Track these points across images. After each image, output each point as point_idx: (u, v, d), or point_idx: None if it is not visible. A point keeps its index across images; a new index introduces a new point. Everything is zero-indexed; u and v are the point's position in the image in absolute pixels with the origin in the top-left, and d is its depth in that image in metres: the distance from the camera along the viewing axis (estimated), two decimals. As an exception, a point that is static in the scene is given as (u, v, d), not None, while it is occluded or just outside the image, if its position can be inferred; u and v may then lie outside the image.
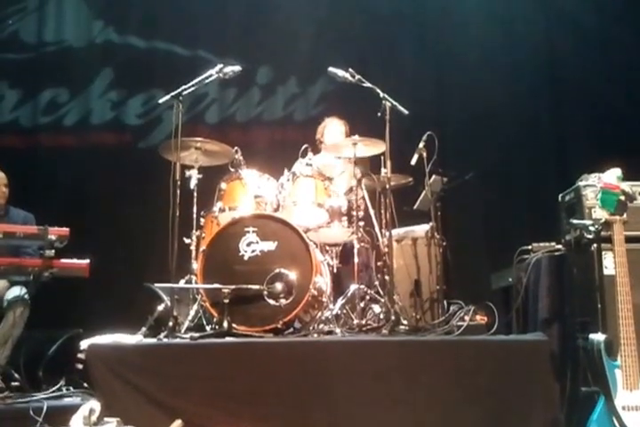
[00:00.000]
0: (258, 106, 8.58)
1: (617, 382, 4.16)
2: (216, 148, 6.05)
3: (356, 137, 5.90)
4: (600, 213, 4.73)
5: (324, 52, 8.22)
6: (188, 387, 4.47)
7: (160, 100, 5.58)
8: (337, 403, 4.51)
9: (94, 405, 4.22)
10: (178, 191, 5.28)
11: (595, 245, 4.84)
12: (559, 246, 5.44)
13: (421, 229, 6.47)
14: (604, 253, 4.79)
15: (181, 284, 5.59)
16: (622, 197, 4.43)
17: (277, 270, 5.26)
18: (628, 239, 4.48)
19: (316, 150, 6.80)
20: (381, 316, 5.57)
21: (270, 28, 8.41)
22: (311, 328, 5.35)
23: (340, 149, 6.25)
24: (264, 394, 4.50)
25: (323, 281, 5.54)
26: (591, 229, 4.78)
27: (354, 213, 5.93)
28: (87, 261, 4.94)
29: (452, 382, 4.59)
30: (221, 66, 5.75)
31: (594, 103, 8.10)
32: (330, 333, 5.23)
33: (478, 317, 5.45)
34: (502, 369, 4.66)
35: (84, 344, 4.69)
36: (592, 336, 4.31)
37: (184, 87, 5.51)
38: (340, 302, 5.62)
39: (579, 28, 8.27)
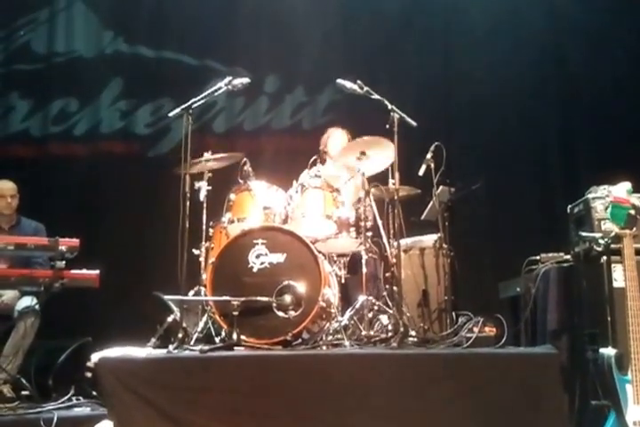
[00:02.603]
0: (266, 115, 8.60)
1: (628, 397, 4.15)
2: (224, 155, 6.15)
3: (365, 137, 5.88)
4: (609, 226, 4.71)
5: (331, 61, 8.26)
6: (197, 400, 4.46)
7: (170, 114, 5.57)
8: (346, 416, 4.50)
9: (107, 425, 4.25)
10: (187, 203, 5.29)
11: (604, 257, 4.84)
12: (568, 257, 5.44)
13: (429, 240, 6.49)
14: (613, 265, 4.80)
15: (190, 295, 5.63)
16: (632, 211, 4.44)
17: (286, 282, 5.27)
18: (638, 253, 4.49)
19: (322, 160, 6.83)
20: (390, 327, 5.58)
21: (278, 37, 8.44)
22: (319, 340, 5.36)
23: (347, 161, 6.27)
24: (273, 407, 4.50)
25: (331, 293, 5.55)
26: (601, 241, 4.78)
27: (362, 223, 5.94)
28: (97, 271, 4.96)
29: (461, 395, 4.58)
30: (230, 78, 5.75)
31: (604, 114, 8.10)
32: (338, 345, 5.24)
33: (487, 328, 5.46)
34: (512, 382, 4.65)
35: (94, 357, 4.69)
36: (602, 351, 4.30)
37: (194, 100, 5.50)
38: (349, 313, 5.62)
39: (589, 38, 8.27)
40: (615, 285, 4.77)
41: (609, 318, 4.72)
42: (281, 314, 5.22)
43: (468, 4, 8.51)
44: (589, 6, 8.23)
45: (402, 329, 5.19)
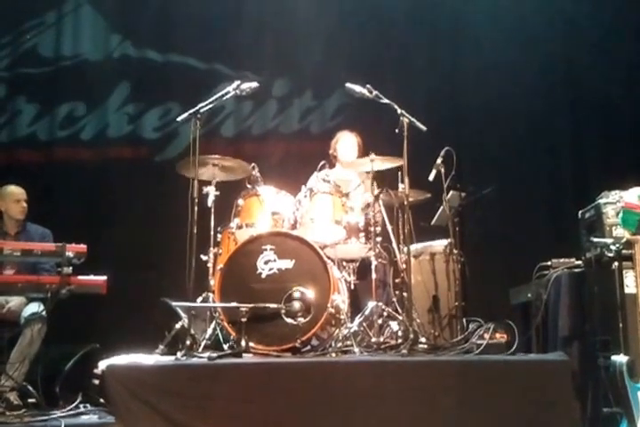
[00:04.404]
0: (274, 119, 8.54)
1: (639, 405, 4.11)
2: (233, 164, 6.06)
3: (373, 156, 5.89)
4: (621, 231, 4.69)
5: (339, 65, 8.20)
6: (205, 408, 4.45)
7: (178, 118, 5.57)
8: (355, 424, 4.51)
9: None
10: (195, 208, 5.26)
11: (616, 263, 4.79)
12: (579, 263, 5.40)
13: (439, 245, 6.46)
14: (625, 271, 4.74)
15: (199, 301, 5.60)
16: (644, 217, 4.40)
17: (295, 289, 5.25)
18: (650, 258, 4.44)
19: (331, 164, 6.80)
20: (399, 333, 5.55)
21: (285, 41, 8.41)
22: (329, 346, 5.34)
23: (356, 166, 6.28)
24: (282, 415, 4.49)
25: (340, 299, 5.51)
26: (612, 247, 4.73)
27: (371, 228, 5.91)
28: (104, 277, 4.91)
29: (471, 403, 4.58)
30: (239, 82, 5.73)
31: (615, 118, 8.06)
32: (348, 351, 5.21)
33: (498, 335, 5.41)
34: (523, 389, 4.65)
35: (102, 365, 4.67)
36: (614, 358, 4.28)
37: (202, 105, 5.49)
38: (358, 319, 5.60)
39: (597, 45, 8.22)
40: (627, 291, 4.72)
41: (621, 325, 4.67)
42: (290, 321, 5.21)
43: (477, 7, 8.47)
44: (597, 9, 8.19)
45: (412, 336, 5.17)
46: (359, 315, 5.65)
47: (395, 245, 6.11)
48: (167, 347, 5.38)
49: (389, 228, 6.15)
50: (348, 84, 5.90)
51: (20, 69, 8.33)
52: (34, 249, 4.90)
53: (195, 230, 5.21)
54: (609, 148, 8.01)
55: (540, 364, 4.89)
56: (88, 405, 5.01)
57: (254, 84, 5.79)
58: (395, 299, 5.95)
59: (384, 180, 6.17)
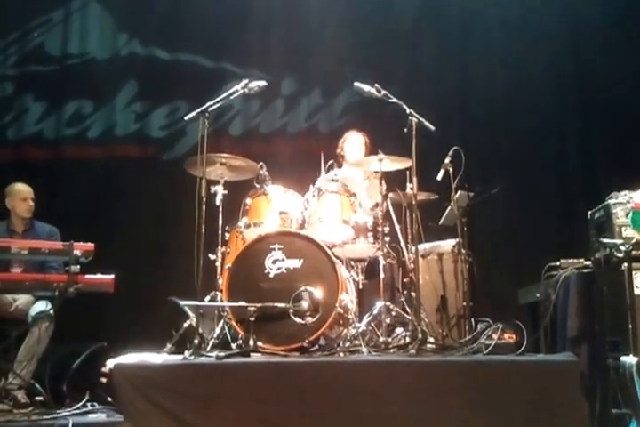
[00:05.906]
0: (282, 117, 8.52)
1: (649, 407, 4.10)
2: (241, 163, 6.04)
3: (382, 155, 5.87)
4: (630, 232, 4.67)
5: (347, 64, 8.23)
6: (214, 407, 4.44)
7: (186, 117, 5.53)
8: (363, 424, 4.49)
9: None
10: (203, 208, 5.25)
11: (625, 264, 4.77)
12: (588, 263, 5.38)
13: (447, 245, 6.45)
14: (634, 272, 4.72)
15: (207, 300, 5.59)
16: (654, 218, 4.38)
17: (303, 288, 5.24)
18: (660, 260, 4.43)
19: (339, 164, 6.80)
20: (408, 333, 5.54)
21: (294, 40, 8.41)
22: (337, 346, 5.32)
23: (364, 165, 6.27)
24: (290, 414, 4.47)
25: (348, 298, 5.51)
26: (621, 248, 4.71)
27: (379, 228, 5.89)
28: (112, 276, 4.91)
29: (479, 403, 4.56)
30: (247, 81, 5.70)
31: (624, 117, 8.00)
32: (356, 351, 5.20)
33: (506, 335, 5.39)
34: (531, 389, 4.62)
35: (110, 363, 4.66)
36: (623, 359, 4.26)
37: (210, 103, 5.45)
38: (366, 319, 5.59)
39: (607, 41, 8.19)
40: (636, 292, 4.70)
41: (630, 326, 4.65)
42: (298, 320, 5.21)
43: (484, 4, 8.46)
44: (607, 6, 8.16)
45: (420, 336, 5.15)
46: (367, 314, 5.64)
47: (403, 244, 6.11)
48: (175, 346, 5.39)
49: (398, 227, 6.15)
50: (357, 83, 5.87)
51: (27, 67, 8.34)
52: (41, 247, 4.92)
53: (202, 229, 5.18)
54: (619, 147, 7.95)
55: (549, 364, 4.86)
56: (96, 403, 5.06)
57: (262, 83, 5.75)
58: (403, 299, 5.96)
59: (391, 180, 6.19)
